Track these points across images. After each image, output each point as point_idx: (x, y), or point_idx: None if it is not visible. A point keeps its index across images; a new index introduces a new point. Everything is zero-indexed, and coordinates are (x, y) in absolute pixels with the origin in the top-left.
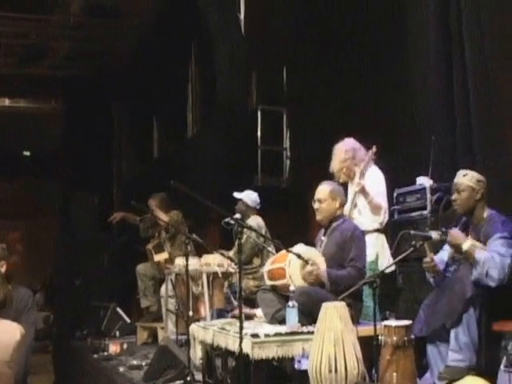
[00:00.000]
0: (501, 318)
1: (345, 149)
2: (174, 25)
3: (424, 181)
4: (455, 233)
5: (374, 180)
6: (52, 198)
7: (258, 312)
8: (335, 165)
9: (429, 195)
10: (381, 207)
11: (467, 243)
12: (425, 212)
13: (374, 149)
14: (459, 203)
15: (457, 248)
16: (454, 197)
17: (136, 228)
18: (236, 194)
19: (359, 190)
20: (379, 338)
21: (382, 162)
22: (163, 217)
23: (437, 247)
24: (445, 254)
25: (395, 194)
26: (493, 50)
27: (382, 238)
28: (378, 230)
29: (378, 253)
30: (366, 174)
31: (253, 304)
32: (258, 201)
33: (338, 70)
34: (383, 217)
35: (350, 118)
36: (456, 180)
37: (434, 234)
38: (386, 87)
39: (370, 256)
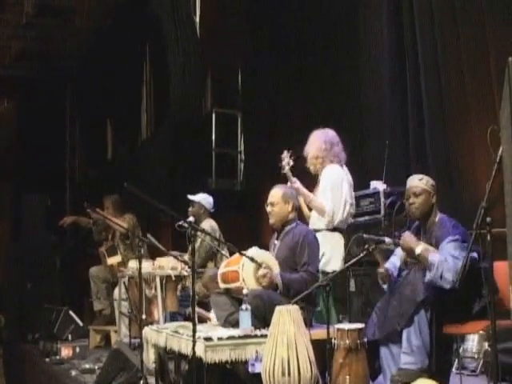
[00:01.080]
0: (452, 321)
1: (324, 139)
2: (129, 26)
3: (378, 185)
4: (408, 237)
5: (323, 178)
6: (2, 199)
7: (213, 315)
8: (311, 150)
9: (382, 199)
10: (323, 210)
11: (420, 247)
12: (378, 216)
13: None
14: (417, 207)
15: (410, 251)
16: (411, 200)
17: (89, 230)
18: (191, 197)
19: (295, 189)
20: (332, 341)
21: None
22: (121, 223)
23: (387, 253)
24: (396, 258)
25: None
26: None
27: (332, 237)
28: (327, 229)
29: (325, 253)
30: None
31: (207, 307)
32: (213, 204)
33: (293, 72)
34: (328, 219)
35: (304, 121)
36: (411, 184)
37: (387, 239)
38: (340, 90)
39: None
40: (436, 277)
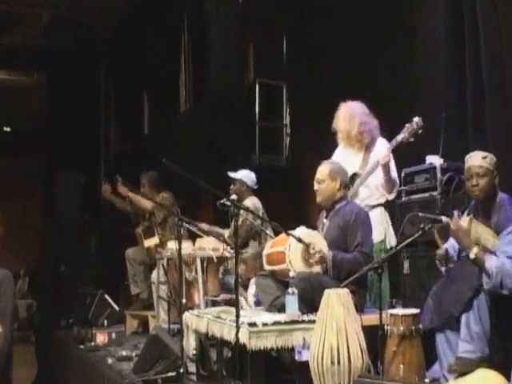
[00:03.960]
0: None
1: (364, 110)
2: None
3: (434, 159)
4: (460, 233)
5: (381, 152)
6: (34, 177)
7: (248, 295)
8: (352, 127)
9: (439, 175)
10: (396, 183)
11: (474, 250)
12: (434, 193)
13: (418, 120)
14: (480, 189)
15: (462, 246)
16: (474, 182)
17: (125, 211)
18: (232, 174)
19: (385, 164)
20: (385, 327)
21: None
22: (145, 203)
23: (447, 233)
24: None
25: (403, 174)
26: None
27: (387, 214)
28: (381, 205)
29: (386, 230)
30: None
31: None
32: (256, 181)
33: (342, 39)
34: (395, 193)
35: (355, 92)
36: (473, 163)
37: (444, 218)
38: (394, 59)
39: (378, 235)
40: (496, 286)
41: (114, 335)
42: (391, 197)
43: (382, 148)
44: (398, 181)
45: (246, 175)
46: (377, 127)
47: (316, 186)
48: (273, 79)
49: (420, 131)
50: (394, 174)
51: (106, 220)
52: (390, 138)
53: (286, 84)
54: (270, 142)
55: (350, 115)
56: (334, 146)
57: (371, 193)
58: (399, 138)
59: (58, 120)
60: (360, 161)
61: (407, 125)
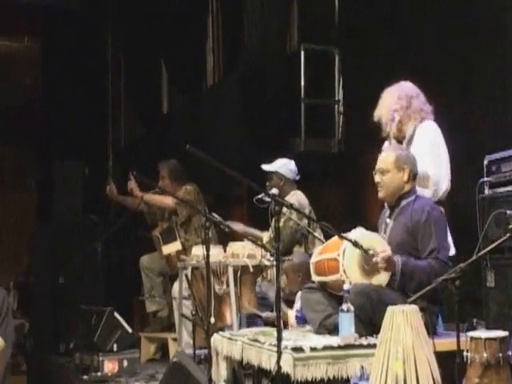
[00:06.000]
0: None
1: (397, 94)
2: None
3: None
4: None
5: (420, 139)
6: (28, 168)
7: (291, 313)
8: (384, 113)
9: None
10: (428, 177)
11: None
12: None
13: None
14: None
15: None
16: None
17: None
18: (265, 167)
19: None
20: (464, 353)
21: (461, 120)
22: (167, 201)
23: None
24: None
25: (485, 162)
26: None
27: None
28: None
29: None
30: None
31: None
32: (297, 171)
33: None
34: (432, 190)
35: (424, 62)
36: None
37: None
38: (472, 25)
39: None
40: None
41: (125, 363)
42: (429, 193)
43: (421, 133)
44: (430, 172)
45: (280, 166)
46: (417, 111)
47: (378, 178)
48: (322, 44)
49: None
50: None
51: (115, 221)
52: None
53: (339, 50)
54: (319, 123)
55: (381, 100)
56: None
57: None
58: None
59: (55, 97)
60: None
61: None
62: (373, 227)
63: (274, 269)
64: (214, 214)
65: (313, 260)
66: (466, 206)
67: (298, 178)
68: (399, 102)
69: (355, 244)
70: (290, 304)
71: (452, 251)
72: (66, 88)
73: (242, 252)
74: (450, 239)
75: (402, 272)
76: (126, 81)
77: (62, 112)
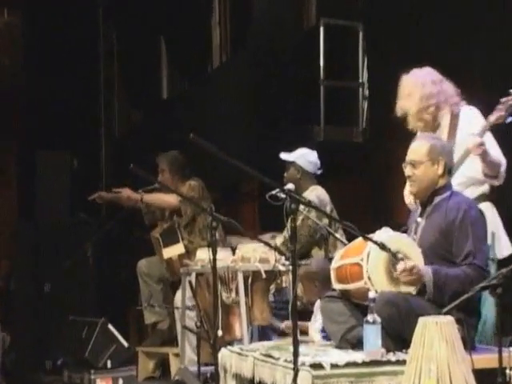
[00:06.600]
0: None
1: (430, 78)
2: None
3: None
4: None
5: (473, 123)
6: (8, 160)
7: (312, 327)
8: (413, 103)
9: None
10: (500, 163)
11: None
12: None
13: None
14: None
15: None
16: None
17: (135, 209)
18: (283, 156)
19: (479, 153)
20: (507, 371)
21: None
22: (170, 199)
23: None
24: None
25: None
26: None
27: (495, 210)
28: (486, 196)
29: (494, 233)
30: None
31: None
32: (319, 164)
33: None
34: (502, 176)
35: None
36: None
37: None
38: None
39: None
40: None
41: (120, 381)
42: (499, 181)
43: (471, 120)
44: (503, 158)
45: (299, 156)
46: (452, 96)
47: (409, 171)
48: (344, 19)
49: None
50: (493, 151)
51: (108, 220)
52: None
53: (363, 26)
54: (340, 109)
55: (407, 88)
56: None
57: (466, 181)
58: (492, 118)
59: (39, 79)
60: None
61: (503, 99)
62: (402, 227)
63: (290, 274)
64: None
65: (333, 265)
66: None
67: (319, 172)
68: (434, 86)
69: (381, 246)
70: (308, 315)
71: (507, 251)
72: (50, 69)
73: (254, 255)
74: (505, 238)
75: (434, 285)
76: (120, 60)
77: (47, 96)
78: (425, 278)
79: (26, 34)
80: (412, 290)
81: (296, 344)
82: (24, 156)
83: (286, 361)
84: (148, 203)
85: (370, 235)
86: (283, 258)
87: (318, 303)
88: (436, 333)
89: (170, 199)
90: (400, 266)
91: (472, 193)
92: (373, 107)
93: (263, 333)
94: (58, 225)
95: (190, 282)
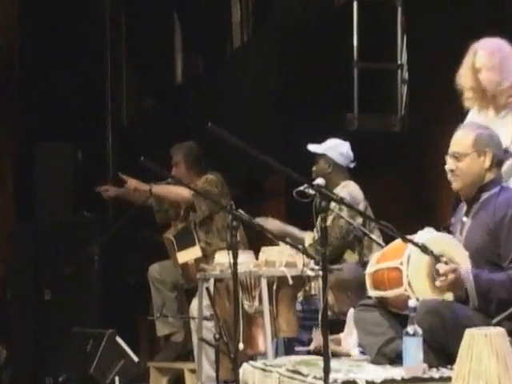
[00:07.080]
0: None
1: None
2: None
3: None
4: None
5: None
6: (4, 152)
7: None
8: (493, 78)
9: None
10: None
11: None
12: None
13: None
14: None
15: None
16: None
17: (145, 206)
18: (312, 147)
19: None
20: None
21: None
22: (183, 192)
23: None
24: None
25: None
26: None
27: None
28: None
29: None
30: None
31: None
32: (352, 156)
33: None
34: None
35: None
36: None
37: None
38: None
39: None
40: None
41: None
42: None
43: None
44: None
45: (330, 147)
46: None
47: (452, 165)
48: None
49: None
50: None
51: (115, 219)
52: None
53: (403, 1)
54: (377, 94)
55: (484, 59)
56: None
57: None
58: None
59: (38, 62)
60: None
61: None
62: (446, 227)
63: (320, 281)
64: (241, 211)
65: (369, 270)
66: None
67: (351, 165)
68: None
69: (423, 249)
70: (341, 326)
71: None
72: (51, 51)
73: (279, 259)
74: None
75: (476, 289)
76: (129, 41)
77: (47, 81)
78: (465, 283)
79: (23, 12)
80: (450, 297)
81: (327, 359)
82: (21, 148)
83: (315, 378)
84: (159, 196)
85: (411, 236)
86: (312, 262)
87: (350, 312)
88: (485, 346)
89: (184, 192)
90: (440, 270)
91: None
92: (412, 92)
93: (289, 346)
94: (59, 225)
95: (207, 289)
